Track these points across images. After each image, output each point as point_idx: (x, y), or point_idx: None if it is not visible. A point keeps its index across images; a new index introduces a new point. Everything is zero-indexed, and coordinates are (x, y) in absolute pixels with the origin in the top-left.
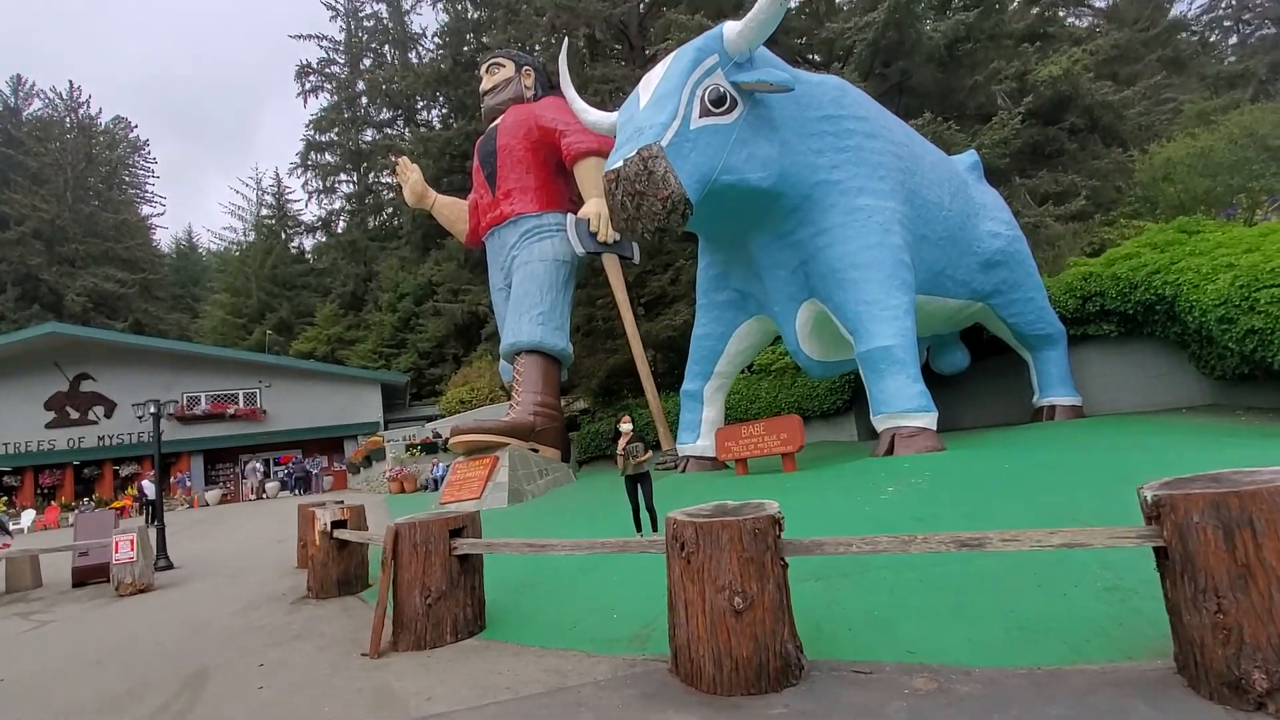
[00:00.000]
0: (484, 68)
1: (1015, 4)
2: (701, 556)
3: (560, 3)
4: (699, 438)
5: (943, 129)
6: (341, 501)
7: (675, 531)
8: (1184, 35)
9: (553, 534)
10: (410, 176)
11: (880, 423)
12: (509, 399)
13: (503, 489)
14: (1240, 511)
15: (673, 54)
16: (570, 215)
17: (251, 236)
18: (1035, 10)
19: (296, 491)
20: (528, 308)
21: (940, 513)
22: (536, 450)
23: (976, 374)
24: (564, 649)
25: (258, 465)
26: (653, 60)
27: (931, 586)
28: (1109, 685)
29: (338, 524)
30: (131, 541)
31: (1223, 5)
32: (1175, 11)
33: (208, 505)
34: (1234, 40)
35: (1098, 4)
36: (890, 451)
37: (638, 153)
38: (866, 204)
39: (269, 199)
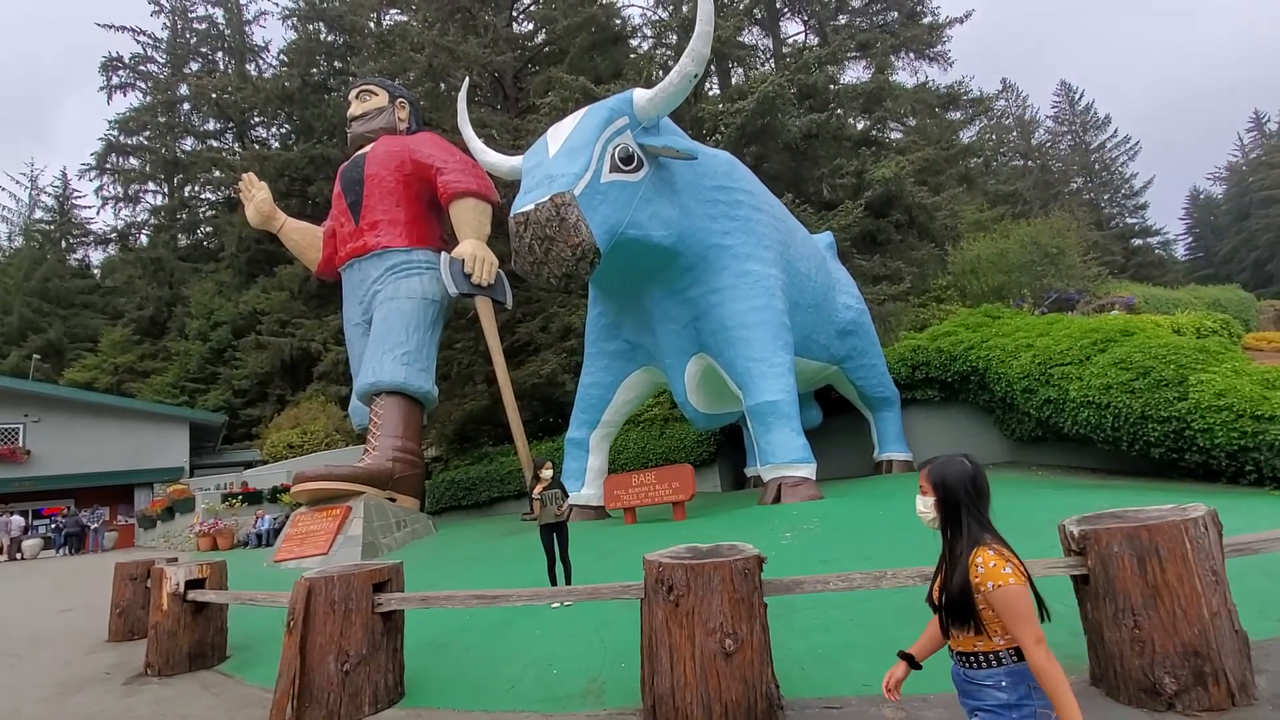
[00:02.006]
0: (354, 93)
1: (839, 112)
2: (692, 599)
3: (440, 43)
4: (584, 486)
5: (799, 211)
6: (176, 558)
7: (661, 574)
8: (973, 160)
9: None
10: (256, 194)
11: (767, 472)
12: (352, 444)
13: (356, 542)
14: (1149, 542)
15: (584, 110)
16: (444, 254)
17: (19, 242)
18: (866, 122)
19: (65, 550)
20: (391, 346)
21: (840, 555)
22: (394, 500)
23: (825, 430)
24: (513, 711)
25: (16, 519)
26: (530, 110)
27: (860, 625)
28: None
29: (194, 584)
30: None
31: (985, 137)
32: (964, 137)
33: None
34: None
35: (910, 122)
36: (778, 499)
37: (550, 199)
38: (754, 269)
39: (48, 200)
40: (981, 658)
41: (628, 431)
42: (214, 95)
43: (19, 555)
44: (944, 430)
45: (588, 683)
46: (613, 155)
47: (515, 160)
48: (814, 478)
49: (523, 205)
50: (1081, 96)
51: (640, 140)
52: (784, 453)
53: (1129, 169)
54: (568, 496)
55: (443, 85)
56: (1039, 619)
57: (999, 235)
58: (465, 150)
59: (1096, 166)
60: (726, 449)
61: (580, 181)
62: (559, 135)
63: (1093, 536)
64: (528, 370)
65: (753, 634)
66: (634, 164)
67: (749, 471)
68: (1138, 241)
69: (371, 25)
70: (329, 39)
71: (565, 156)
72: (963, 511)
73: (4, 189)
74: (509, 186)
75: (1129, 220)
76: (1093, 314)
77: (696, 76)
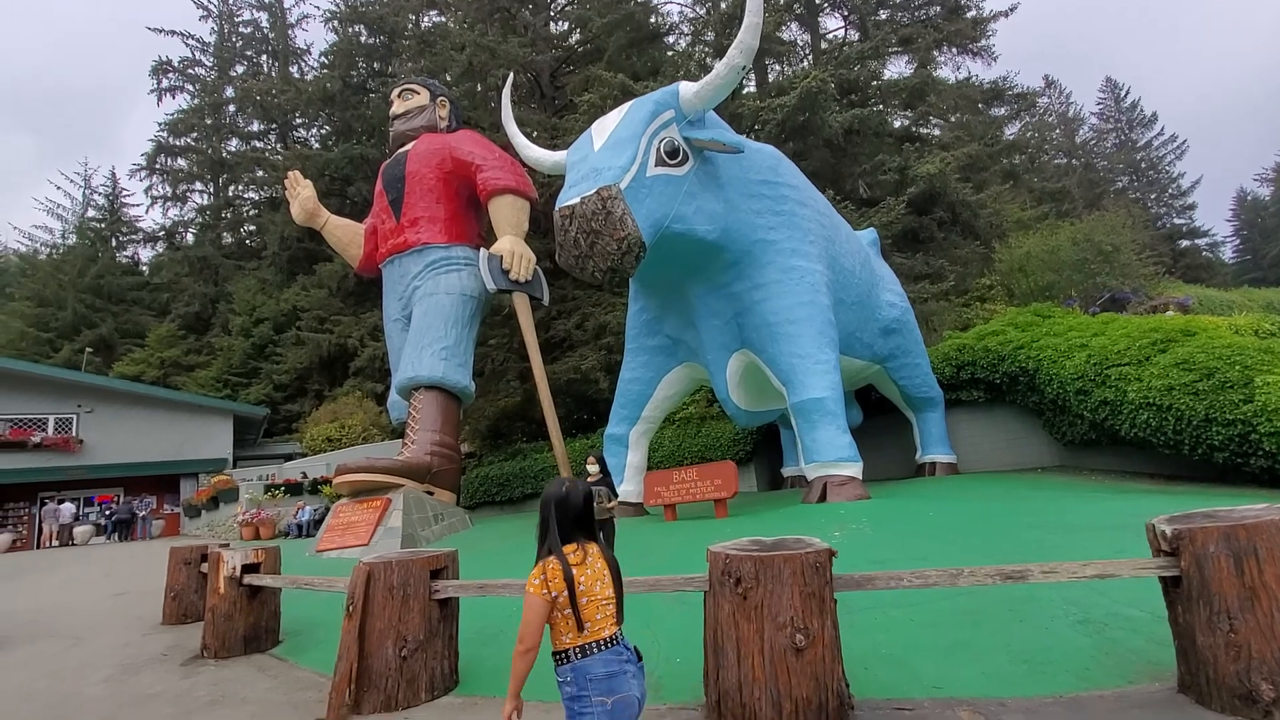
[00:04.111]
0: (396, 92)
1: (881, 108)
2: (761, 592)
3: (481, 43)
4: (623, 482)
5: (839, 208)
6: (227, 544)
7: (728, 566)
8: (1018, 156)
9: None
10: (301, 192)
11: (812, 470)
12: (387, 439)
13: (396, 534)
14: (1247, 541)
15: (629, 104)
16: (482, 250)
17: (72, 240)
18: (909, 118)
19: (114, 537)
20: (430, 341)
21: (893, 555)
22: (432, 493)
23: (866, 431)
24: None
25: (67, 506)
26: (568, 109)
27: (923, 625)
28: (1133, 707)
29: (249, 568)
30: None
31: (1027, 134)
32: (1008, 133)
33: None
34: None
35: (952, 118)
36: (823, 498)
37: (597, 192)
38: (800, 265)
39: (99, 199)
40: (558, 655)
41: (663, 430)
42: (258, 97)
43: (71, 541)
44: (989, 432)
45: None
46: (658, 149)
47: (559, 155)
48: (860, 477)
49: (568, 199)
50: (1127, 93)
51: (686, 134)
52: (830, 451)
53: (1176, 168)
54: (616, 494)
55: (480, 86)
56: (578, 629)
57: (1047, 232)
58: (505, 148)
59: (1143, 165)
60: (763, 448)
61: (626, 175)
62: (604, 129)
63: (1187, 536)
64: (563, 366)
65: (824, 630)
66: (679, 158)
67: (786, 471)
68: (1185, 243)
69: (411, 27)
70: (369, 41)
71: (611, 150)
72: (543, 528)
73: (60, 188)
74: (545, 186)
75: (1176, 221)
76: (1146, 315)
77: (745, 69)
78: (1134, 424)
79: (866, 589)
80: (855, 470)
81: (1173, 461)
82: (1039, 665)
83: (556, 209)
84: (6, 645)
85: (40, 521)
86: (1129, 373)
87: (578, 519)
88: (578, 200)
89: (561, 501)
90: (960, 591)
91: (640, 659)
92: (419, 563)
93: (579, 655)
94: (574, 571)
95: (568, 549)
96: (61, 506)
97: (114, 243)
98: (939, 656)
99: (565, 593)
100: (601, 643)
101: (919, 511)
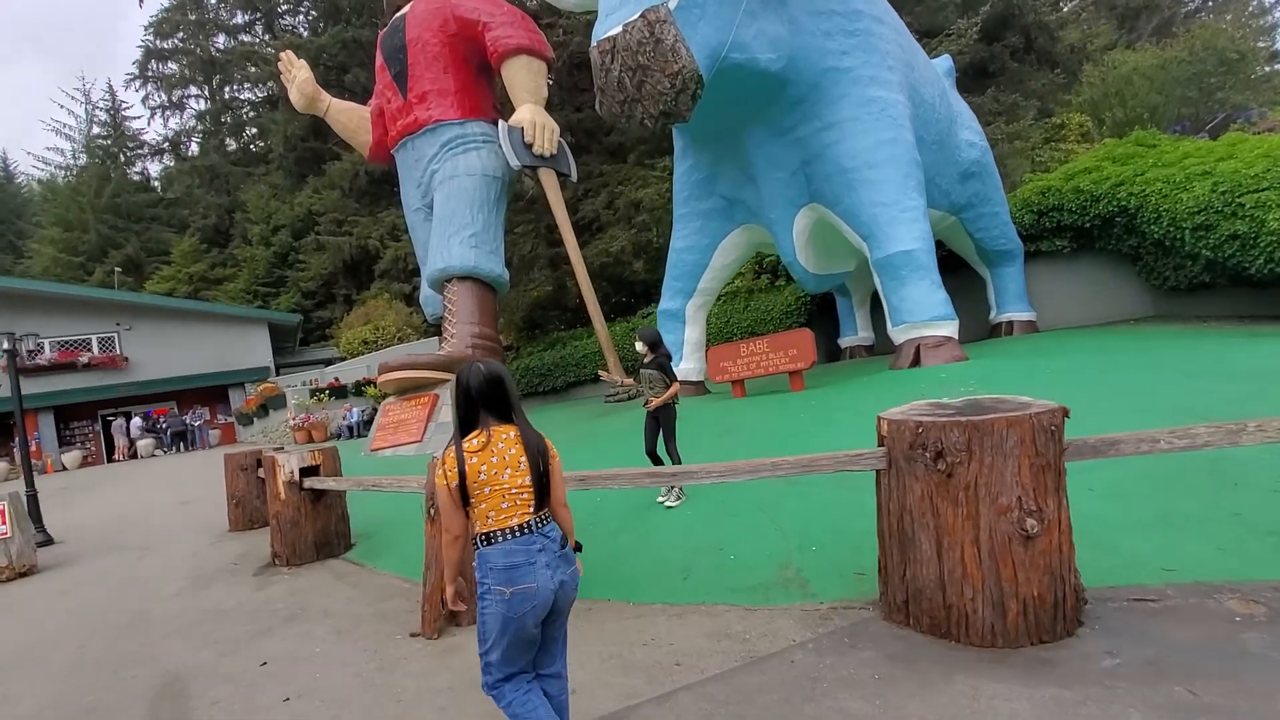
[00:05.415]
0: None
1: None
2: (975, 467)
3: None
4: (681, 360)
5: None
6: (280, 447)
7: (920, 437)
8: None
9: None
10: (298, 75)
11: (901, 333)
12: (421, 337)
13: (447, 429)
14: None
15: None
16: (501, 123)
17: (83, 160)
18: None
19: (174, 449)
20: (458, 228)
21: None
22: None
23: None
24: (702, 604)
25: (135, 420)
26: None
27: (1107, 495)
28: None
29: (308, 471)
30: (2, 512)
31: None
32: None
33: (65, 469)
34: None
35: None
36: (916, 362)
37: (641, 15)
38: (880, 95)
39: (101, 115)
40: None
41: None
42: None
43: (135, 455)
44: (1069, 285)
45: (779, 570)
46: None
47: None
48: (956, 336)
49: (607, 29)
50: None
51: None
52: (923, 309)
53: None
54: (673, 379)
55: None
56: (484, 518)
57: (1164, 45)
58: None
59: None
60: (818, 319)
61: None
62: None
63: None
64: (595, 249)
65: (1060, 511)
66: None
67: (844, 341)
68: (1265, 69)
69: None
70: None
71: None
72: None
73: (62, 106)
74: (560, 46)
75: (1257, 44)
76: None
77: None
78: (1272, 258)
79: (1108, 455)
80: (951, 329)
81: None
82: None
83: (594, 44)
84: (79, 560)
85: (105, 437)
86: (1270, 198)
87: (470, 402)
88: (619, 30)
89: (455, 387)
90: (1145, 456)
91: (566, 547)
92: None
93: (484, 543)
94: (475, 460)
95: (470, 436)
96: (131, 421)
97: (122, 159)
98: (1150, 532)
99: (457, 483)
100: (507, 531)
101: (1032, 369)
